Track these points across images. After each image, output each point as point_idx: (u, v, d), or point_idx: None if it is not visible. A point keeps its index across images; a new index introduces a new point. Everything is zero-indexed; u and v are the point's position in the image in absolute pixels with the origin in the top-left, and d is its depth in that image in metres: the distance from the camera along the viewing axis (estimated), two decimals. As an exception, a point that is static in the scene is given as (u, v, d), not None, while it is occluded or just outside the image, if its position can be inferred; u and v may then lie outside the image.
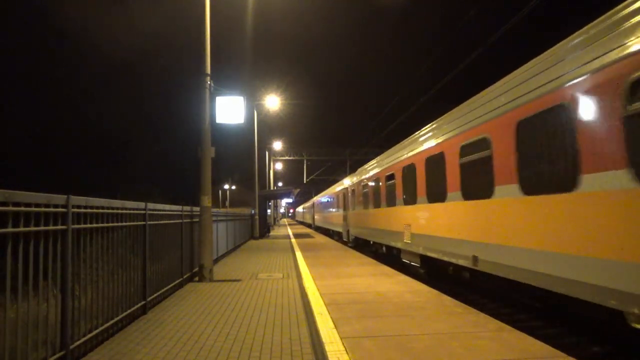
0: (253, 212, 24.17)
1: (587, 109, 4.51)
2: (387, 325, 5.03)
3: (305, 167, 48.19)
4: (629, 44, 4.02)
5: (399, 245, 11.12)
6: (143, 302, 5.87)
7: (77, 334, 4.05)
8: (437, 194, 8.47)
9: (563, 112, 4.86)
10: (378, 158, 14.49)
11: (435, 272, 9.66)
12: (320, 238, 24.04)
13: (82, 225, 4.22)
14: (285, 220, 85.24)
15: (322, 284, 7.97)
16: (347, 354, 4.08)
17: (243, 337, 4.76)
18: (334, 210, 25.79)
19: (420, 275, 10.00)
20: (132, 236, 5.58)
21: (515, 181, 5.73)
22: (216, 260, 11.56)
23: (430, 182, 8.93)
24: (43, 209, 3.56)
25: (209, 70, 9.25)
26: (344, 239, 21.00)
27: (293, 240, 21.91)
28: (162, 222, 6.87)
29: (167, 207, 7.23)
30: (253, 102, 24.68)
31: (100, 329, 4.51)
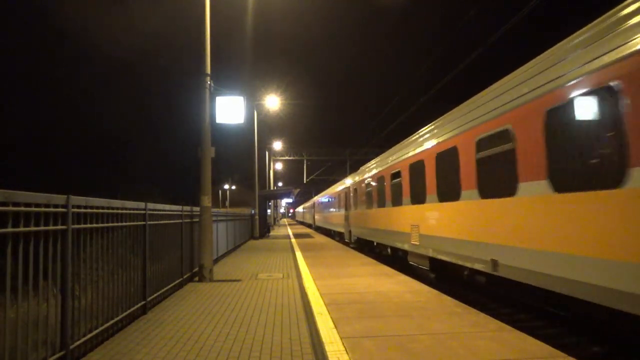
0: (253, 212, 24.17)
1: None
2: (387, 325, 5.03)
3: (305, 167, 48.23)
4: None
5: (405, 247, 10.54)
6: (143, 302, 5.87)
7: (77, 334, 4.05)
8: (449, 193, 7.87)
9: (609, 96, 4.17)
10: (382, 155, 13.84)
11: (447, 276, 9.12)
12: (321, 238, 24.04)
13: (82, 225, 4.22)
14: (285, 220, 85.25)
15: (322, 284, 7.97)
16: (347, 354, 4.07)
17: (243, 337, 4.76)
18: (335, 210, 25.09)
19: (429, 279, 9.61)
20: (132, 236, 5.58)
21: (544, 177, 5.13)
22: (216, 260, 11.56)
23: (441, 180, 8.32)
24: (43, 209, 3.56)
25: (209, 70, 9.25)
26: (346, 240, 20.50)
27: (293, 240, 21.91)
28: (162, 222, 6.87)
29: (167, 207, 7.23)
30: (253, 102, 24.72)
31: (100, 329, 4.51)
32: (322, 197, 33.92)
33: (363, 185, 16.05)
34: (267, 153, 37.26)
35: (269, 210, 36.44)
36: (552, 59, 5.21)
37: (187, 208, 8.50)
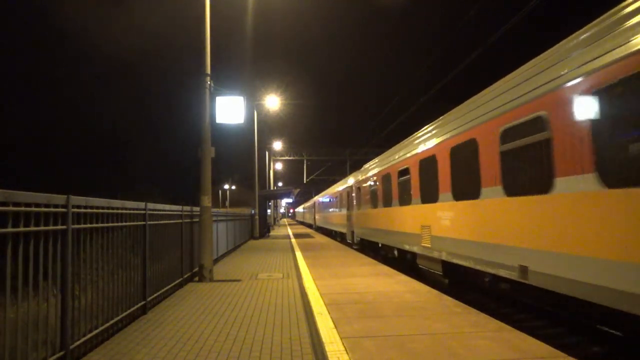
0: (253, 212, 24.18)
1: None
2: (387, 325, 5.03)
3: (305, 167, 48.25)
4: None
5: (414, 249, 9.81)
6: (143, 302, 5.87)
7: (77, 334, 4.05)
8: (466, 190, 7.14)
9: None
10: (388, 152, 13.05)
11: (463, 282, 8.55)
12: (321, 238, 24.03)
13: (82, 225, 4.22)
14: (285, 220, 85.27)
15: (322, 284, 7.97)
16: (347, 353, 4.08)
17: (243, 337, 4.76)
18: (337, 210, 24.21)
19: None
20: (132, 236, 5.58)
21: (591, 170, 4.39)
22: (216, 260, 11.56)
23: (457, 177, 7.58)
24: (43, 209, 3.56)
25: (209, 70, 9.26)
26: (348, 241, 19.86)
27: (293, 240, 21.91)
28: (162, 222, 6.87)
29: (167, 207, 7.23)
30: (253, 102, 24.73)
31: (100, 329, 4.52)
32: (323, 197, 33.12)
33: (367, 183, 15.28)
34: (267, 153, 37.29)
35: (269, 210, 36.45)
36: (609, 28, 4.41)
37: (187, 208, 8.50)
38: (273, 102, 25.65)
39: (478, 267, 6.77)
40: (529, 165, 5.50)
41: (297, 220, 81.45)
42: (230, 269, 10.74)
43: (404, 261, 11.31)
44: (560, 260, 4.84)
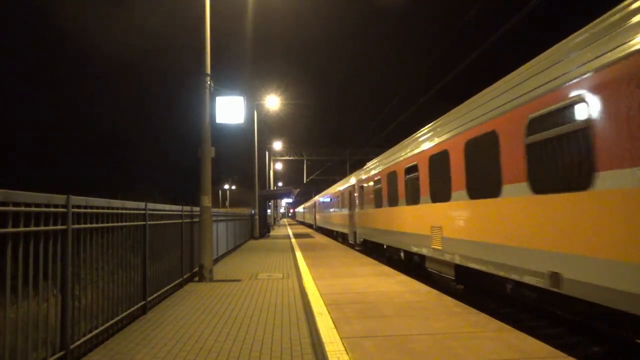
0: (253, 212, 24.18)
1: None
2: (387, 325, 5.03)
3: (305, 167, 48.26)
4: None
5: (423, 251, 9.22)
6: (143, 302, 5.87)
7: (77, 334, 4.05)
8: (484, 188, 6.53)
9: None
10: (393, 149, 12.40)
11: (480, 289, 8.07)
12: (321, 238, 24.03)
13: (82, 225, 4.22)
14: (285, 221, 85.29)
15: (322, 284, 7.97)
16: (347, 354, 4.08)
17: (243, 337, 4.76)
18: (339, 210, 23.39)
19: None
20: (132, 236, 5.58)
21: None
22: (216, 260, 11.56)
23: (472, 173, 6.98)
24: (43, 209, 3.56)
25: (209, 70, 9.26)
26: (350, 242, 19.10)
27: (293, 240, 21.91)
28: (162, 222, 6.87)
29: (167, 207, 7.23)
30: (253, 102, 24.74)
31: (100, 329, 4.52)
32: (324, 197, 32.31)
33: (371, 182, 14.57)
34: (267, 153, 37.30)
35: (269, 210, 36.45)
36: None
37: (187, 208, 8.51)
38: (273, 102, 25.67)
39: (498, 273, 6.13)
40: (563, 158, 4.83)
41: (297, 221, 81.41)
42: (230, 269, 10.74)
43: (411, 264, 10.75)
44: (603, 267, 4.22)
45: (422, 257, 9.55)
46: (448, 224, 7.89)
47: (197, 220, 9.12)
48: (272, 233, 30.61)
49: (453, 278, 7.98)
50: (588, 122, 4.43)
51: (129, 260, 5.44)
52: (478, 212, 6.79)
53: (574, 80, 4.64)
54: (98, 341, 4.48)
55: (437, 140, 8.50)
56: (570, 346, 5.55)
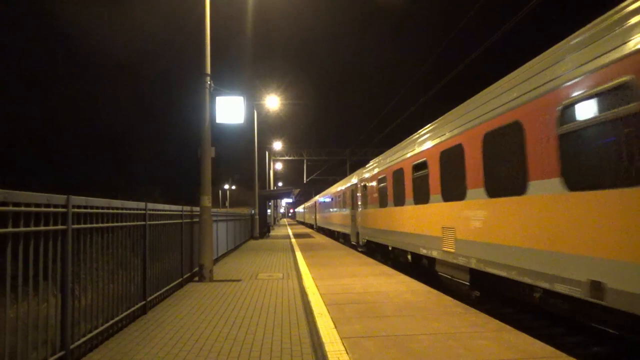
0: (253, 212, 24.19)
1: None
2: (387, 325, 5.03)
3: (305, 167, 48.27)
4: None
5: (433, 254, 8.62)
6: (143, 302, 5.87)
7: (77, 334, 4.05)
8: (506, 185, 5.96)
9: None
10: (399, 145, 11.75)
11: (501, 296, 7.53)
12: (321, 238, 24.04)
13: (82, 225, 4.22)
14: (285, 221, 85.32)
15: (322, 284, 7.97)
16: (347, 353, 4.08)
17: (243, 337, 4.76)
18: (340, 210, 22.70)
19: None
20: (132, 236, 5.59)
21: None
22: (216, 260, 11.57)
23: (491, 169, 6.37)
24: (43, 209, 3.56)
25: (209, 70, 9.27)
26: (352, 242, 18.48)
27: (293, 240, 21.91)
28: (162, 222, 6.87)
29: (167, 207, 7.24)
30: (253, 102, 24.73)
31: (101, 329, 4.52)
32: (325, 196, 31.52)
33: (375, 180, 13.90)
34: (267, 153, 37.30)
35: (269, 210, 36.45)
36: None
37: (187, 208, 8.51)
38: (273, 102, 25.64)
39: (522, 279, 5.52)
40: (608, 150, 4.21)
41: (297, 221, 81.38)
42: (230, 269, 10.75)
43: (419, 267, 10.23)
44: None
45: (432, 260, 9.03)
46: (462, 224, 7.26)
47: (197, 220, 9.12)
48: (272, 233, 30.61)
49: (468, 283, 7.47)
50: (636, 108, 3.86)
51: (129, 260, 5.45)
52: (498, 211, 6.16)
53: (621, 61, 4.02)
54: (98, 341, 4.48)
55: (449, 134, 7.83)
56: (570, 346, 5.55)
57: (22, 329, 3.22)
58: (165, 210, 7.08)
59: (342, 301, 6.46)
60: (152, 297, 6.26)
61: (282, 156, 46.04)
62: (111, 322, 4.79)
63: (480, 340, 4.37)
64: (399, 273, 9.37)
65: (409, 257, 10.68)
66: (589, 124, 4.43)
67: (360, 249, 16.51)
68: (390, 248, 12.38)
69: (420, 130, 9.93)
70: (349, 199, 19.52)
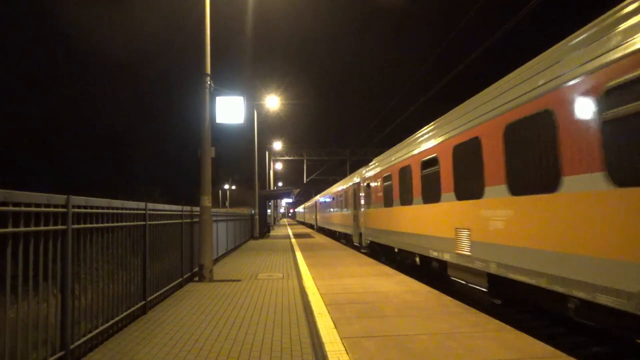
0: (253, 212, 24.19)
1: None
2: (387, 325, 5.03)
3: (305, 167, 48.28)
4: None
5: (445, 257, 8.00)
6: (143, 302, 5.87)
7: (77, 334, 4.05)
8: (534, 181, 5.31)
9: None
10: (406, 141, 11.06)
11: (524, 304, 6.92)
12: (321, 238, 24.04)
13: (83, 225, 4.22)
14: (285, 221, 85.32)
15: (322, 284, 7.97)
16: (347, 353, 4.08)
17: (243, 337, 4.76)
18: (342, 209, 22.00)
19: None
20: (132, 236, 5.59)
21: None
22: (216, 260, 11.57)
23: (515, 164, 5.74)
24: (43, 209, 3.56)
25: (209, 70, 9.27)
26: (355, 243, 17.79)
27: (293, 240, 21.91)
28: (162, 222, 6.87)
29: (167, 207, 7.24)
30: (253, 102, 24.74)
31: (101, 329, 4.52)
32: (326, 195, 30.72)
33: (380, 178, 13.25)
34: (267, 153, 37.30)
35: (269, 210, 36.43)
36: None
37: (187, 208, 8.51)
38: (273, 102, 25.64)
39: (553, 288, 4.89)
40: None
41: (297, 221, 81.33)
42: (230, 269, 10.75)
43: (428, 270, 9.58)
44: None
45: (443, 264, 8.42)
46: (479, 225, 6.65)
47: (197, 220, 9.12)
48: (272, 233, 30.61)
49: (485, 290, 6.90)
50: None
51: (129, 260, 5.45)
52: (524, 211, 5.51)
53: None
54: (98, 341, 4.48)
55: (464, 127, 7.21)
56: (570, 346, 5.55)
57: (22, 329, 3.22)
58: (165, 210, 7.08)
59: (342, 301, 6.46)
60: (152, 297, 6.26)
61: (282, 156, 46.05)
62: (111, 322, 4.79)
63: (480, 340, 4.37)
64: (399, 273, 9.36)
65: (417, 259, 10.08)
66: (632, 110, 3.82)
67: (363, 250, 15.94)
68: (396, 250, 11.80)
69: (429, 125, 9.36)
70: (351, 198, 18.91)
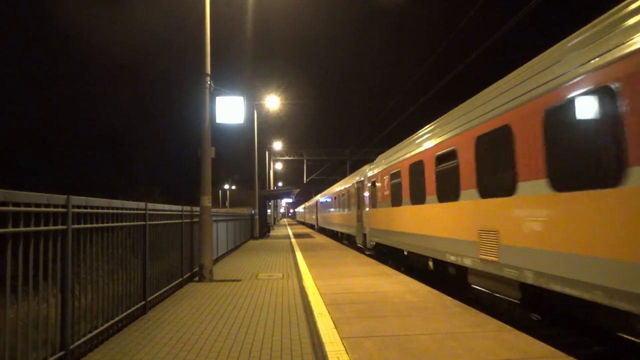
0: (253, 212, 24.19)
1: None
2: (387, 325, 5.03)
3: (305, 167, 48.27)
4: None
5: (466, 262, 7.10)
6: (143, 302, 5.87)
7: (77, 334, 4.05)
8: (585, 174, 4.41)
9: None
10: (417, 135, 10.19)
11: (570, 320, 6.08)
12: (321, 239, 24.04)
13: (83, 225, 4.22)
14: (285, 221, 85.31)
15: (322, 284, 7.97)
16: (347, 354, 4.08)
17: (243, 337, 4.76)
18: (344, 209, 21.04)
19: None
20: (132, 236, 5.59)
21: None
22: (216, 260, 11.57)
23: (558, 156, 4.86)
24: (43, 209, 3.56)
25: (209, 70, 9.27)
26: (359, 245, 16.87)
27: (293, 240, 21.91)
28: (162, 222, 6.87)
29: (167, 207, 7.24)
30: (253, 102, 24.73)
31: (101, 329, 4.52)
32: (327, 195, 29.88)
33: (387, 176, 12.30)
34: (267, 153, 37.29)
35: (269, 210, 36.43)
36: None
37: (187, 208, 8.51)
38: (273, 102, 25.63)
39: (613, 304, 4.02)
40: None
41: (297, 221, 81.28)
42: (230, 269, 10.75)
43: (443, 276, 8.66)
44: None
45: (462, 270, 7.58)
46: (510, 227, 5.82)
47: (197, 220, 9.12)
48: (272, 233, 30.61)
49: (518, 301, 6.17)
50: None
51: (129, 260, 5.45)
52: (572, 211, 4.63)
53: None
54: (98, 341, 4.48)
55: (490, 115, 6.37)
56: (570, 346, 5.54)
57: (22, 329, 3.22)
58: (165, 210, 7.08)
59: (342, 301, 6.46)
60: (152, 297, 6.26)
61: (282, 156, 46.05)
62: (111, 322, 4.78)
63: (480, 340, 4.37)
64: (398, 273, 9.37)
65: (430, 264, 9.20)
66: None
67: (367, 252, 15.01)
68: (405, 253, 10.83)
69: (443, 117, 8.59)
70: (354, 197, 17.99)
